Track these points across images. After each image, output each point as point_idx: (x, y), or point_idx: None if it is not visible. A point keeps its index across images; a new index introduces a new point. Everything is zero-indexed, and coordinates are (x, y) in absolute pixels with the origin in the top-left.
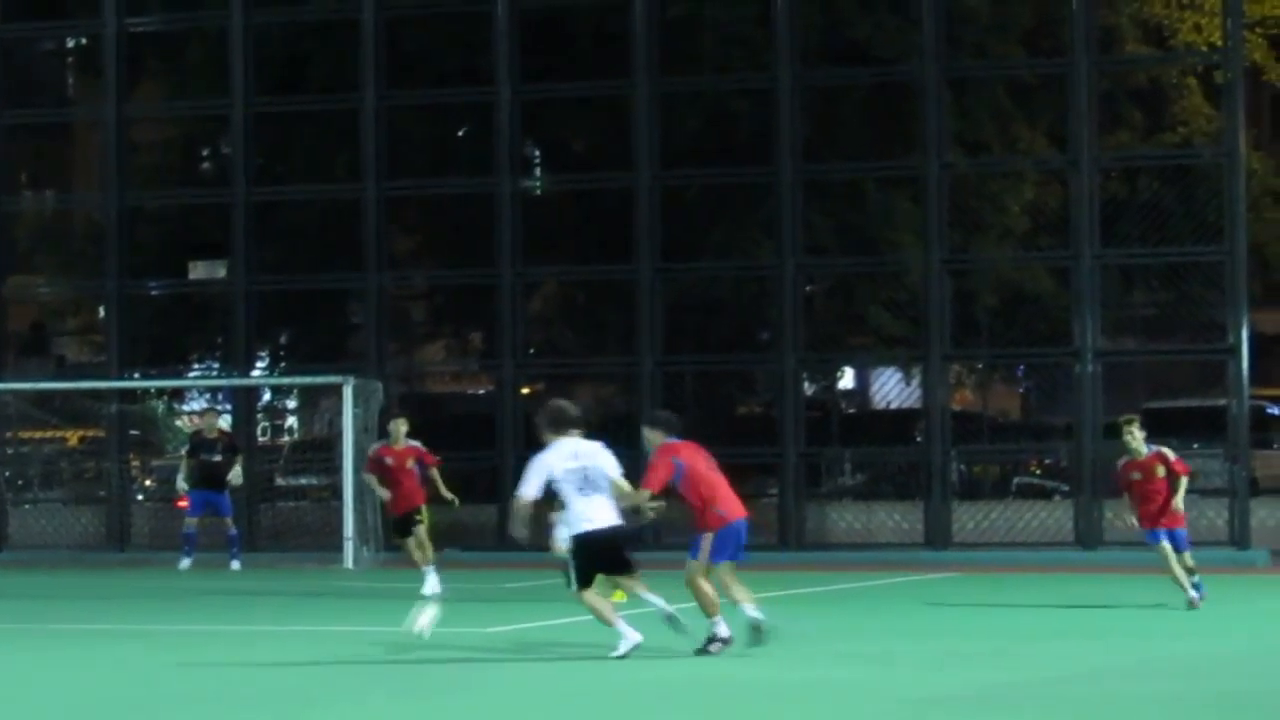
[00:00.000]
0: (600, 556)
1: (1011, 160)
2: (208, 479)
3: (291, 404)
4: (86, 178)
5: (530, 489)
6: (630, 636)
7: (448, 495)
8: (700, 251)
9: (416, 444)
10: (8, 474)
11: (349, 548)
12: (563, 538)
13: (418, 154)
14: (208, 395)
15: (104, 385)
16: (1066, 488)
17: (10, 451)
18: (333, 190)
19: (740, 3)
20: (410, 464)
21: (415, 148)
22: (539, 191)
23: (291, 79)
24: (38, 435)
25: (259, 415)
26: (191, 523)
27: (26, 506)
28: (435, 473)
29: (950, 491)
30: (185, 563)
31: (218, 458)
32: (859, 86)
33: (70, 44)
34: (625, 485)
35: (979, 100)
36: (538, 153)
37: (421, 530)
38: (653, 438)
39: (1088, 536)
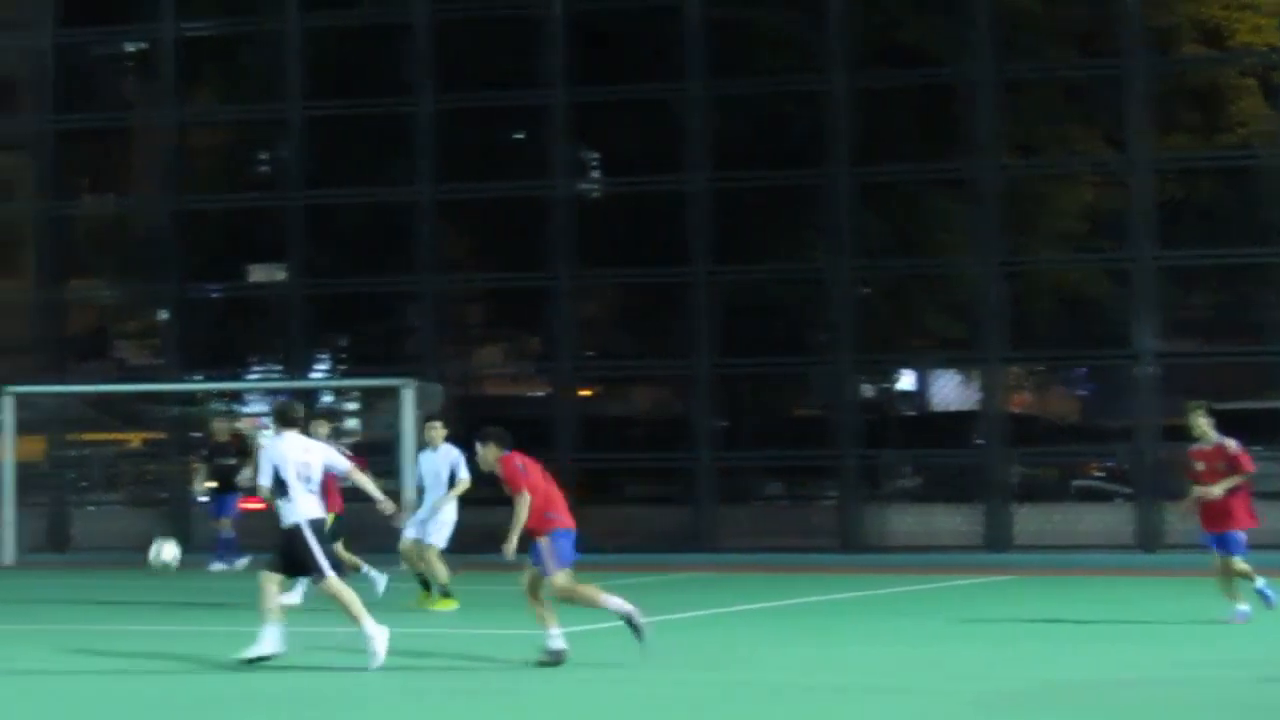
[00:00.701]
0: (328, 541)
1: (1067, 162)
2: (222, 482)
3: (351, 406)
4: (144, 181)
5: (265, 478)
6: (378, 638)
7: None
8: (754, 254)
9: (338, 448)
10: (70, 476)
11: None
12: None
13: (471, 157)
14: (269, 398)
15: (163, 388)
16: (1129, 490)
17: (73, 454)
18: (387, 193)
19: (792, 5)
20: None
21: (469, 151)
22: (594, 195)
23: (345, 83)
24: (99, 438)
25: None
26: (223, 524)
27: (89, 508)
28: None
29: (1009, 494)
30: (241, 562)
31: (231, 461)
32: (912, 88)
33: (128, 49)
34: (364, 477)
35: (1033, 102)
36: (591, 156)
37: None
38: (488, 454)
39: (1148, 539)
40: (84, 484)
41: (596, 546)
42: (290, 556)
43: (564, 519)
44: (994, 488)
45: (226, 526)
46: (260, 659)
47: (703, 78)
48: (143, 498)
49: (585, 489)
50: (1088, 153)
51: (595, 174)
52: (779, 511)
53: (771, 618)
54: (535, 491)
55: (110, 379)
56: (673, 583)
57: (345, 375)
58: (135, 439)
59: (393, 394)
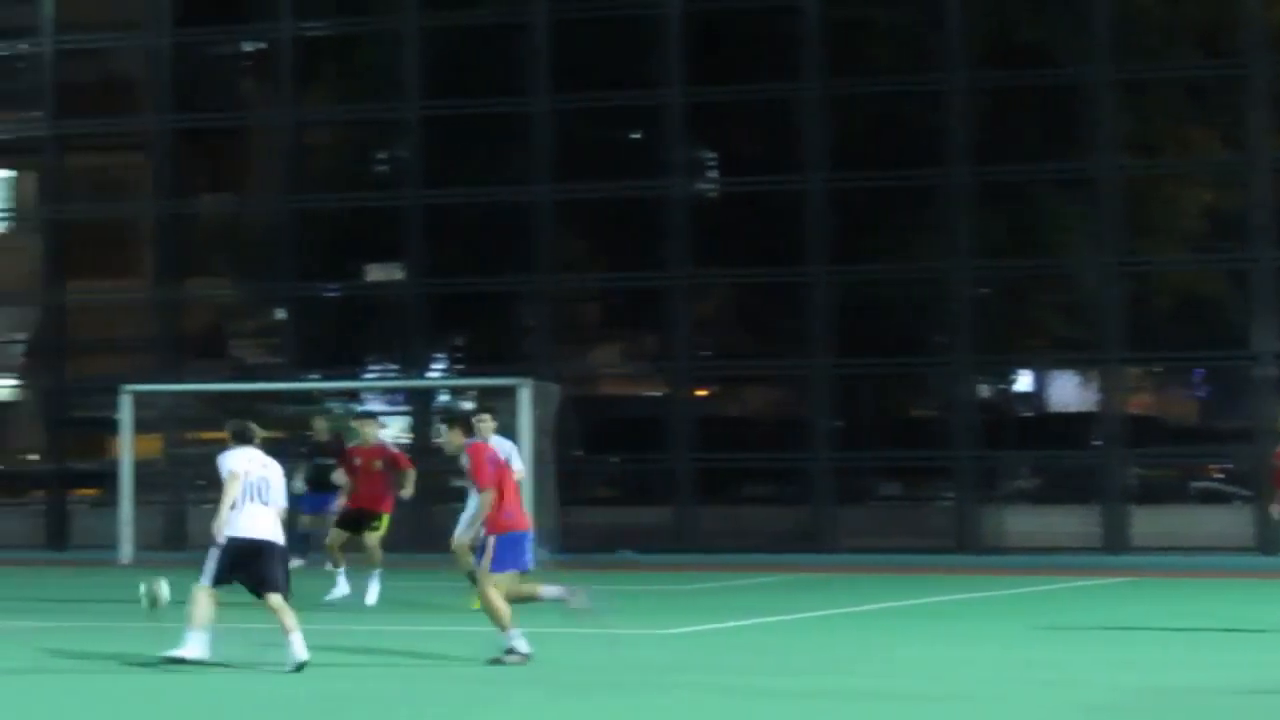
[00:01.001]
0: (241, 566)
1: (1186, 162)
2: (320, 481)
3: (468, 405)
4: (262, 181)
5: (234, 487)
6: (191, 650)
7: (406, 493)
8: (871, 254)
9: (387, 445)
10: (187, 474)
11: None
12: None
13: (588, 157)
14: (389, 398)
15: (280, 387)
16: (1248, 492)
17: (190, 452)
18: (504, 193)
19: (911, 4)
20: (377, 465)
21: (586, 151)
22: (710, 195)
23: (463, 82)
24: (216, 436)
25: (436, 417)
26: (305, 522)
27: (206, 506)
28: (410, 474)
29: (1127, 495)
30: (298, 563)
31: (330, 461)
32: (1031, 88)
33: (246, 49)
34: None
35: (1152, 102)
36: (708, 155)
37: (374, 538)
38: (454, 437)
39: (1268, 542)
40: (201, 482)
41: (712, 546)
42: (244, 569)
43: (517, 520)
44: (1112, 489)
45: (308, 523)
46: (181, 660)
47: (820, 77)
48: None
49: (702, 489)
50: (1207, 153)
51: (712, 174)
52: (895, 512)
53: (883, 619)
54: (499, 492)
55: (227, 378)
56: (788, 583)
57: (462, 374)
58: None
59: (510, 393)
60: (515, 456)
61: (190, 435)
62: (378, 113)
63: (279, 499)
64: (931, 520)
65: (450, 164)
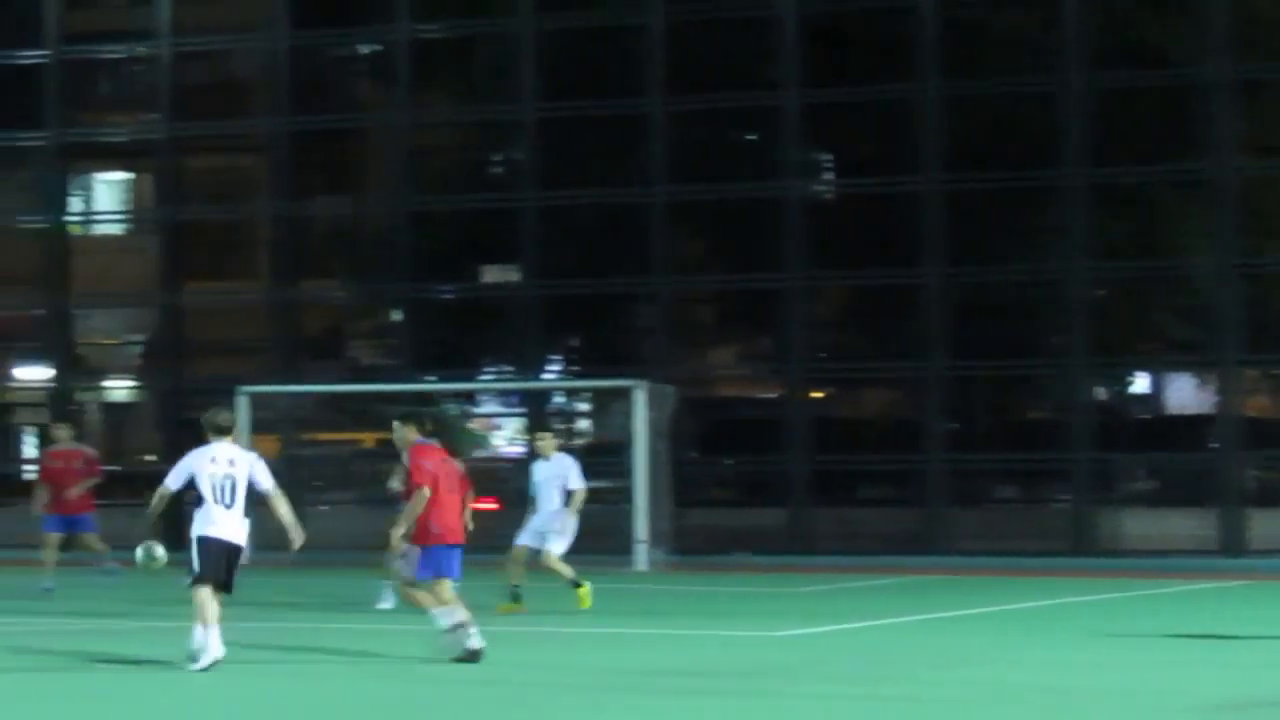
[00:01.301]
0: (216, 563)
1: None
2: None
3: (583, 407)
4: (378, 182)
5: (173, 481)
6: (211, 652)
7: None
8: (987, 256)
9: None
10: (304, 476)
11: (641, 550)
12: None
13: (704, 159)
14: (504, 399)
15: (396, 388)
16: None
17: (307, 453)
18: (620, 195)
19: (1027, 5)
20: None
21: (701, 152)
22: (826, 196)
23: (579, 84)
24: (333, 437)
25: (552, 419)
26: None
27: (322, 508)
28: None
29: (1245, 498)
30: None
31: None
32: (1148, 88)
33: (362, 51)
34: (281, 499)
35: (1271, 102)
36: (823, 157)
37: None
38: (407, 433)
39: None
40: (317, 483)
41: (827, 548)
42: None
43: (447, 534)
44: (1229, 491)
45: None
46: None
47: (936, 78)
48: (375, 497)
49: (816, 491)
50: None
51: (828, 175)
52: (1011, 514)
53: (997, 622)
54: (433, 495)
55: (343, 379)
56: (903, 585)
57: (577, 376)
58: (368, 439)
59: (625, 395)
60: (575, 474)
61: (307, 436)
62: (494, 114)
63: (263, 486)
64: (1047, 522)
65: (566, 165)
